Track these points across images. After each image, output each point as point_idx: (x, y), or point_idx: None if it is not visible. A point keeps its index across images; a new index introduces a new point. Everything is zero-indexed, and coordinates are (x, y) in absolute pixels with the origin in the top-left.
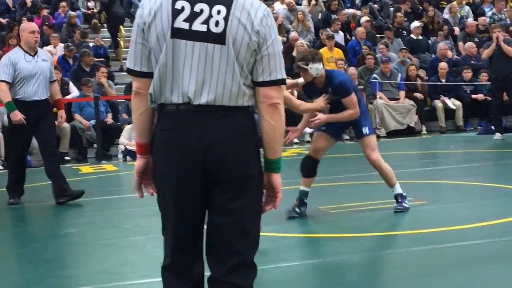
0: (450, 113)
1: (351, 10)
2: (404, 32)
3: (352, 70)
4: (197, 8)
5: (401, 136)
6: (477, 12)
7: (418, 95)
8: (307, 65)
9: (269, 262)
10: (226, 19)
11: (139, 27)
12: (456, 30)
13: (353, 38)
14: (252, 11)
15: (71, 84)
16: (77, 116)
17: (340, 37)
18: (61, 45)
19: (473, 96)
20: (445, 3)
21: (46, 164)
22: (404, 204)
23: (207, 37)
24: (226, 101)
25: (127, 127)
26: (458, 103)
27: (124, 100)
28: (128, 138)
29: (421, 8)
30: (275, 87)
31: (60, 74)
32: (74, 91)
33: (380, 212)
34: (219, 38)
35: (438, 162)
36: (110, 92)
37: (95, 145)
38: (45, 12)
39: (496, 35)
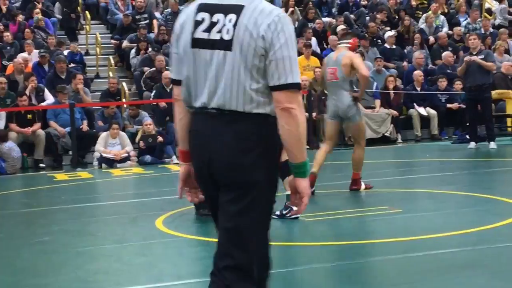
0: (425, 122)
1: (327, 19)
2: (379, 41)
3: None
4: (215, 18)
5: (377, 145)
6: (452, 22)
7: (392, 112)
8: None
9: None
10: (234, 26)
11: (174, 39)
12: (431, 39)
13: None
14: (260, 18)
15: (46, 91)
16: (52, 123)
17: (313, 45)
18: (36, 51)
19: (448, 105)
20: (420, 12)
21: None
22: None
23: (220, 44)
24: (234, 106)
25: (103, 135)
26: (432, 111)
27: (100, 107)
28: (103, 146)
29: (396, 17)
30: (285, 92)
31: (35, 80)
32: (49, 98)
33: (356, 220)
34: (228, 45)
35: (413, 171)
36: (86, 99)
37: (70, 152)
38: (20, 18)
39: (473, 59)
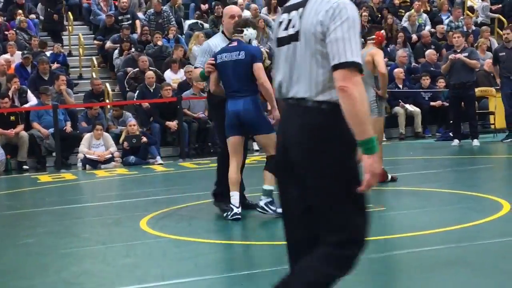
0: (409, 119)
1: None
2: (363, 39)
3: None
4: (291, 16)
5: None
6: (435, 20)
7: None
8: (242, 31)
9: (214, 272)
10: (300, 18)
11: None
12: (414, 37)
13: None
14: (320, 6)
15: (29, 92)
16: (35, 125)
17: None
18: (18, 53)
19: (432, 103)
20: (403, 11)
21: None
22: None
23: (292, 38)
24: (304, 93)
25: (86, 136)
26: (416, 109)
27: (83, 109)
28: (87, 147)
29: (379, 15)
30: (340, 71)
31: (18, 82)
32: (32, 100)
33: None
34: (296, 36)
35: (397, 169)
36: (69, 100)
37: (54, 154)
38: (1, 19)
39: (457, 57)
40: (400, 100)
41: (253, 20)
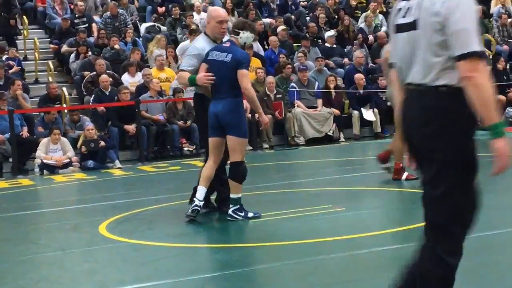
0: (367, 119)
1: (268, 20)
2: (319, 41)
3: (270, 79)
4: (409, 4)
5: (320, 144)
6: None
7: (335, 111)
8: (238, 33)
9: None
10: (418, 7)
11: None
12: (371, 38)
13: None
14: None
15: None
16: None
17: (256, 47)
18: None
19: (389, 103)
20: (359, 12)
21: None
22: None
23: (410, 26)
24: (420, 80)
25: (44, 141)
26: (372, 117)
27: (39, 113)
28: (44, 152)
29: (336, 17)
30: (465, 61)
31: None
32: None
33: (300, 220)
34: (414, 25)
35: (355, 169)
36: (25, 105)
37: (10, 160)
38: None
39: None
40: (362, 109)
41: (252, 23)
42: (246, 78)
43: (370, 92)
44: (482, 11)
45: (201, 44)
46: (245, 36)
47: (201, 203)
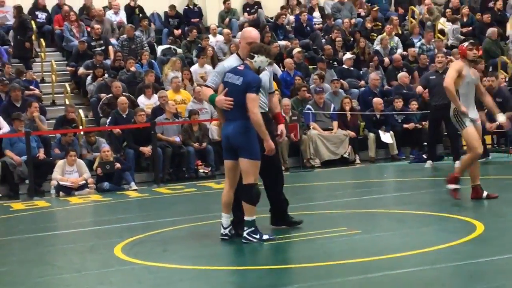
0: (384, 142)
1: (283, 42)
2: (335, 63)
3: (286, 101)
4: None
5: (335, 166)
6: (406, 43)
7: (350, 133)
8: (253, 58)
9: None
10: None
11: None
12: (386, 60)
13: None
14: None
15: (1, 119)
16: (8, 152)
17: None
18: None
19: (405, 125)
20: (375, 34)
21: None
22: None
23: None
24: None
25: (60, 162)
26: (390, 140)
27: (56, 135)
28: (61, 173)
29: (352, 39)
30: None
31: None
32: (4, 127)
33: (315, 242)
34: None
35: (371, 191)
36: (42, 127)
37: (27, 181)
38: None
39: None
40: (380, 131)
41: (268, 47)
42: (253, 102)
43: (386, 114)
44: (498, 34)
45: (229, 63)
46: (260, 60)
47: (226, 231)
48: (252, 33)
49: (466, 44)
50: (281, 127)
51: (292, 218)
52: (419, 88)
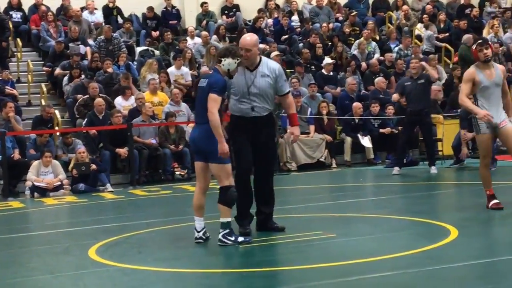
0: (360, 146)
1: (261, 45)
2: (313, 67)
3: None
4: None
5: (312, 170)
6: (384, 48)
7: (327, 137)
8: (220, 62)
9: None
10: None
11: None
12: (363, 65)
13: None
14: None
15: None
16: None
17: None
18: None
19: (381, 130)
20: (353, 39)
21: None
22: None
23: None
24: None
25: (35, 163)
26: (369, 145)
27: (31, 136)
28: (36, 174)
29: (330, 43)
30: None
31: None
32: None
33: (291, 246)
34: None
35: (347, 195)
36: (17, 127)
37: (1, 182)
38: None
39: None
40: (359, 135)
41: (233, 49)
42: (213, 102)
43: (363, 118)
44: (474, 40)
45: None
46: (227, 62)
47: (200, 234)
48: (246, 39)
49: (474, 46)
50: (293, 129)
51: (276, 223)
52: (395, 96)
